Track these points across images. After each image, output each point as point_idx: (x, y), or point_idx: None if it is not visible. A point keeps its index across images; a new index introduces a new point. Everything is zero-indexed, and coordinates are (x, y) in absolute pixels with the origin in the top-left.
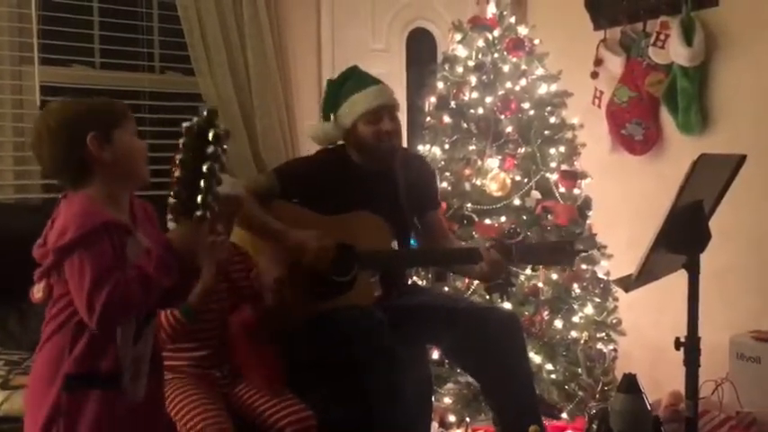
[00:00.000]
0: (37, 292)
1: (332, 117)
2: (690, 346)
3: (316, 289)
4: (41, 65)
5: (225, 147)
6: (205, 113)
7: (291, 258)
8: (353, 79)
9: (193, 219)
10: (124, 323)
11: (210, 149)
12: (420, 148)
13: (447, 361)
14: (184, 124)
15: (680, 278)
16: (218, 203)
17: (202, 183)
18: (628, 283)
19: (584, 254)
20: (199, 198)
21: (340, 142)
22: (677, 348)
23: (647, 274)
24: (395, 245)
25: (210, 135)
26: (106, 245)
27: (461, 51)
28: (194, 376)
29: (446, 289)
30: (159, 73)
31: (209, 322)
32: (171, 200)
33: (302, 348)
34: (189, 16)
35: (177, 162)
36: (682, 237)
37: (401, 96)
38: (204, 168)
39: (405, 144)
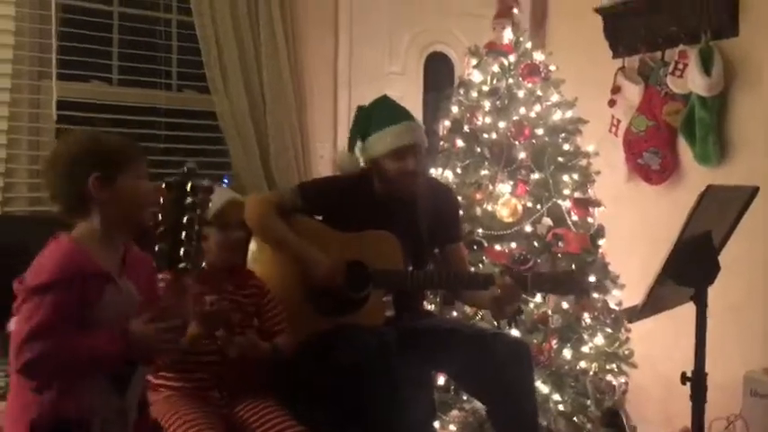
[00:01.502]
0: (11, 324)
1: (359, 143)
2: (696, 382)
3: (328, 305)
4: (59, 80)
5: (208, 201)
6: (185, 169)
7: (305, 273)
8: (385, 111)
9: (177, 270)
10: (49, 383)
11: (189, 200)
12: (432, 171)
13: (453, 387)
14: (165, 180)
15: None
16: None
17: (183, 234)
18: (633, 314)
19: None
20: (181, 250)
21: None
22: (683, 383)
23: (652, 305)
24: (409, 268)
25: (189, 187)
26: (71, 299)
27: (477, 76)
28: (193, 396)
29: (454, 314)
30: (176, 91)
31: (207, 353)
32: (156, 255)
33: (304, 365)
34: (206, 36)
35: (159, 218)
36: (689, 268)
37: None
38: (184, 220)
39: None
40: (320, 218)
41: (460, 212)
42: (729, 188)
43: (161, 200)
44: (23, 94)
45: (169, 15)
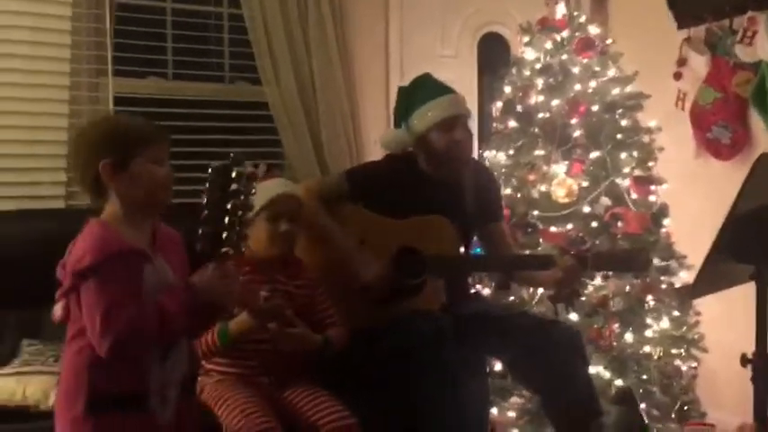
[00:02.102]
0: (57, 311)
1: (403, 125)
2: (757, 364)
3: (383, 292)
4: (116, 77)
5: (252, 189)
6: (232, 156)
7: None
8: (426, 87)
9: (219, 256)
10: (137, 354)
11: (234, 187)
12: (486, 153)
13: (510, 374)
14: (211, 164)
15: None
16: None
17: (227, 220)
18: (687, 292)
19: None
20: (224, 235)
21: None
22: (743, 365)
23: (707, 283)
24: (461, 251)
25: (234, 173)
26: (121, 274)
27: (529, 54)
28: (243, 381)
29: (511, 298)
30: (228, 83)
31: (259, 341)
32: (198, 241)
33: (356, 352)
34: (256, 27)
35: (204, 202)
36: (747, 245)
37: (472, 103)
38: (228, 206)
39: (475, 151)
40: (365, 204)
41: (501, 190)
42: None
43: (206, 184)
44: (82, 91)
45: (220, 9)
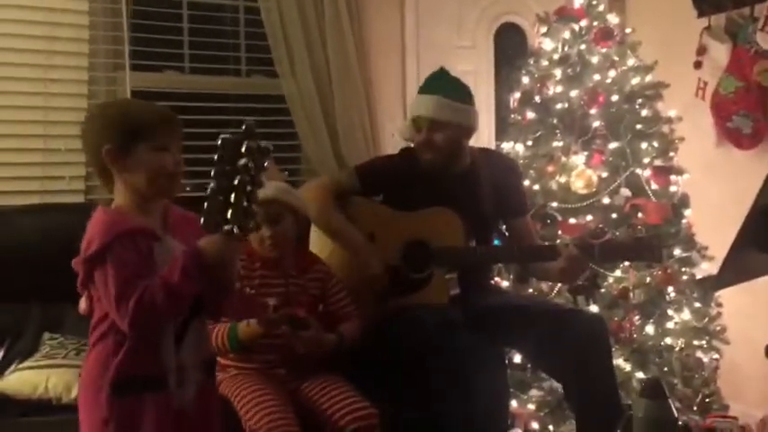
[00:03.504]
0: (82, 303)
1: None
2: None
3: (391, 286)
4: (133, 71)
5: (264, 163)
6: (243, 127)
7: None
8: (431, 80)
9: (222, 233)
10: (159, 329)
11: (243, 161)
12: (504, 145)
13: (529, 366)
14: (221, 136)
15: None
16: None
17: (233, 196)
18: (710, 283)
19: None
20: (228, 213)
21: None
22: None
23: (731, 274)
24: (472, 244)
25: (244, 147)
26: (130, 253)
27: (547, 44)
28: (260, 373)
29: (530, 291)
30: (245, 76)
31: (274, 336)
32: (202, 214)
33: (372, 346)
34: (272, 19)
35: (211, 175)
36: None
37: (489, 94)
38: (235, 181)
39: (493, 143)
40: (377, 198)
41: (525, 185)
42: None
43: (215, 157)
44: (100, 86)
45: (236, 1)
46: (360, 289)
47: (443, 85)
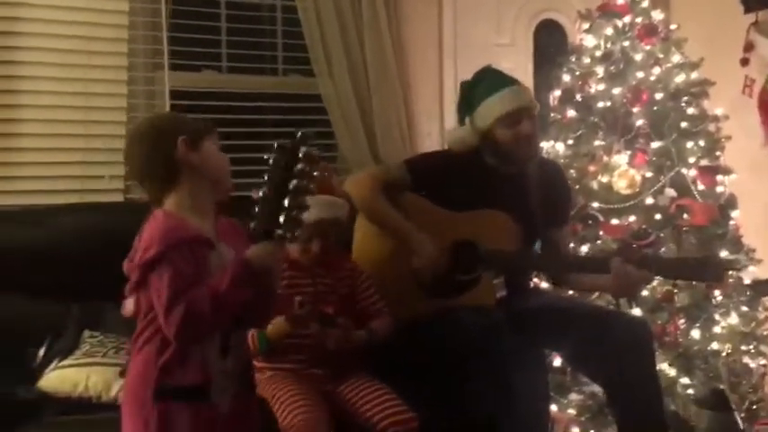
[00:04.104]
0: (128, 305)
1: (467, 121)
2: None
3: (438, 287)
4: (172, 70)
5: (315, 173)
6: (300, 134)
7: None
8: (488, 80)
9: (274, 238)
10: (202, 338)
11: (299, 167)
12: (543, 144)
13: (570, 370)
14: (277, 142)
15: None
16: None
17: (287, 201)
18: (763, 288)
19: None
20: (281, 217)
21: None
22: None
23: None
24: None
25: (301, 153)
26: (187, 261)
27: (589, 41)
28: (296, 374)
29: (570, 292)
30: (282, 75)
31: (308, 336)
32: (252, 221)
33: (414, 347)
34: (309, 18)
35: (265, 179)
36: None
37: None
38: (291, 186)
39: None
40: (426, 194)
41: (571, 194)
42: None
43: (270, 161)
44: (139, 86)
45: (273, 1)
46: (395, 286)
47: (506, 77)
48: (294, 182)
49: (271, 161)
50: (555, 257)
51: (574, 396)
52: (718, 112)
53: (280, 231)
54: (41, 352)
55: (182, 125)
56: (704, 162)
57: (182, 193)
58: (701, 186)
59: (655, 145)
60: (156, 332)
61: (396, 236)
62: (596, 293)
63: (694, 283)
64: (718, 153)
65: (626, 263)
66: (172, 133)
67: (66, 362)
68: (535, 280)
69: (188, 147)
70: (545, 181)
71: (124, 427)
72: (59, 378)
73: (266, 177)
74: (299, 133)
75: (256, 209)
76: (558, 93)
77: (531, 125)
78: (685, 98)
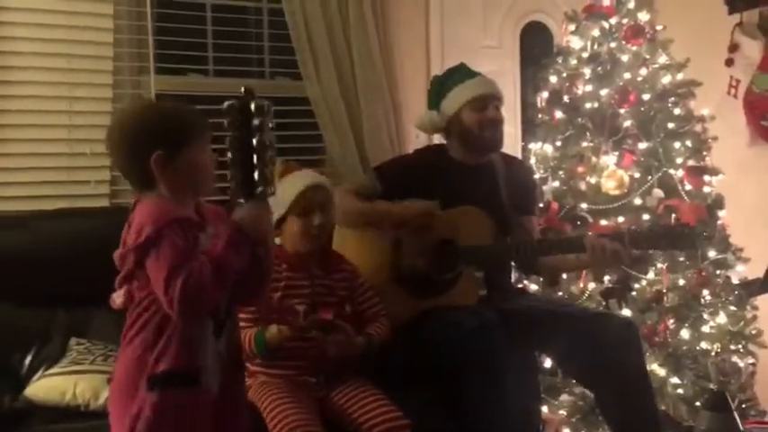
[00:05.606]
0: (117, 298)
1: (435, 109)
2: None
3: (420, 287)
4: (157, 74)
5: (271, 123)
6: (243, 89)
7: (396, 233)
8: (459, 72)
9: (256, 197)
10: (205, 312)
11: (256, 122)
12: (531, 145)
13: (560, 370)
14: (225, 103)
15: None
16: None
17: (255, 158)
18: (753, 288)
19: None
20: (255, 174)
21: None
22: None
23: None
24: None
25: (253, 107)
26: (179, 238)
27: (576, 43)
28: (288, 381)
29: (559, 294)
30: (269, 78)
31: (305, 340)
32: (230, 185)
33: (401, 350)
34: (296, 21)
35: (227, 143)
36: None
37: (514, 94)
38: (254, 142)
39: (518, 143)
40: (399, 199)
41: (537, 189)
42: None
43: (225, 123)
44: (125, 89)
45: (260, 4)
46: (389, 290)
47: (474, 71)
48: (256, 136)
49: (225, 123)
50: (530, 243)
51: (565, 397)
52: (705, 112)
53: (260, 188)
54: (27, 360)
55: (163, 132)
56: (691, 162)
57: (161, 191)
58: (688, 187)
59: (642, 146)
60: (148, 321)
61: (378, 220)
62: (585, 296)
63: (683, 283)
64: (704, 153)
65: (600, 237)
66: (150, 143)
67: (53, 370)
68: (525, 282)
69: (162, 162)
70: (511, 173)
71: (113, 426)
72: (46, 386)
73: (228, 141)
74: (242, 88)
75: (229, 175)
76: (545, 94)
77: (496, 112)
78: (672, 99)
